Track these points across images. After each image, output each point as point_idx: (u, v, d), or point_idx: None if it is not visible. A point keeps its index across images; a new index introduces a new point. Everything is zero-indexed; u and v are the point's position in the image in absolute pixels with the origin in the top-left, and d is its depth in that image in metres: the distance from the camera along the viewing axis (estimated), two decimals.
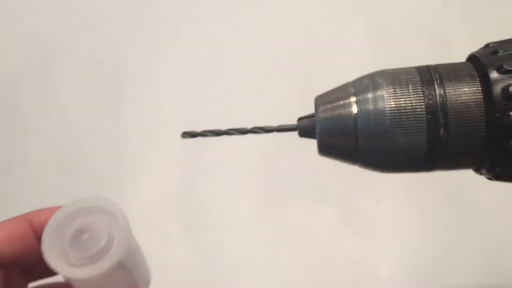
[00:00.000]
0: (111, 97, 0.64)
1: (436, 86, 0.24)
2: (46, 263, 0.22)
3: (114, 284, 0.24)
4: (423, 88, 0.24)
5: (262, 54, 0.66)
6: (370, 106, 0.24)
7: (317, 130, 0.26)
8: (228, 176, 0.57)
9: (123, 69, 0.66)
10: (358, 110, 0.24)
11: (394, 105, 0.24)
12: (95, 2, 0.73)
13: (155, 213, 0.56)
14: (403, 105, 0.24)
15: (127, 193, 0.57)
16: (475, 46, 0.69)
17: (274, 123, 0.61)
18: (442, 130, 0.23)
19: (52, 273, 0.24)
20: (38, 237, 0.24)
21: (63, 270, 0.22)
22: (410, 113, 0.23)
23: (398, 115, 0.24)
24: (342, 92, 0.26)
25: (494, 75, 0.23)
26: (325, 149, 0.27)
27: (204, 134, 0.29)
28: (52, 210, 0.26)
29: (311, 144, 0.60)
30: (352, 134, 0.25)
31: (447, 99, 0.24)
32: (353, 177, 0.56)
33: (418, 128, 0.23)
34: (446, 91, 0.24)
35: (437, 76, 0.25)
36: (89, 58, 0.68)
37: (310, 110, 0.67)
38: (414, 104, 0.24)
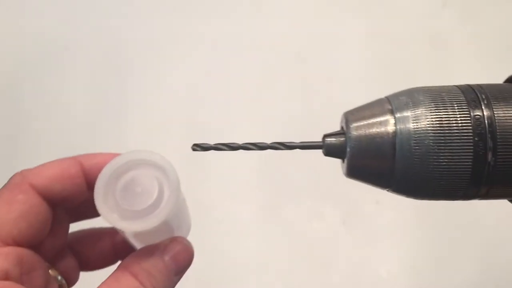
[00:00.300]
0: (112, 97, 0.64)
1: (483, 107, 0.22)
2: (98, 211, 0.22)
3: (160, 234, 0.24)
4: (469, 108, 0.22)
5: (262, 55, 0.66)
6: (411, 125, 0.22)
7: (348, 150, 0.24)
8: (228, 176, 0.57)
9: (124, 69, 0.67)
10: (396, 129, 0.22)
11: (438, 125, 0.21)
12: (97, 2, 0.73)
13: None
14: (448, 125, 0.21)
15: None
16: (474, 46, 0.69)
17: (274, 123, 0.62)
18: (490, 155, 0.21)
19: (93, 216, 0.25)
20: (87, 180, 0.24)
21: (115, 222, 0.22)
22: (456, 134, 0.21)
23: (443, 135, 0.21)
24: (377, 108, 0.24)
25: None
26: (355, 171, 0.25)
27: (217, 147, 0.27)
28: (104, 156, 0.25)
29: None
30: (388, 156, 0.22)
31: (496, 121, 0.21)
32: None
33: (464, 151, 0.21)
34: (495, 112, 0.21)
35: (484, 96, 0.22)
36: (90, 58, 0.68)
37: (310, 109, 0.68)
38: (460, 124, 0.21)
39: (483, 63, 0.63)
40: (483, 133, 0.21)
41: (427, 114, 0.22)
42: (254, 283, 0.53)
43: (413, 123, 0.22)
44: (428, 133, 0.21)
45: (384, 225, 0.51)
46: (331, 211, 0.44)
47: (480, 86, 0.23)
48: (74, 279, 0.26)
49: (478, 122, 0.21)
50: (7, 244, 0.21)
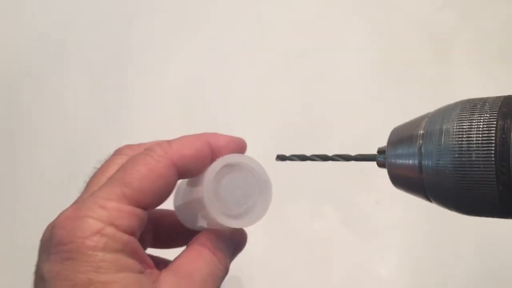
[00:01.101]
0: (112, 97, 0.64)
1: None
2: (205, 203, 0.25)
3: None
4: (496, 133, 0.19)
5: (262, 55, 0.66)
6: (434, 143, 0.21)
7: (386, 166, 0.25)
8: None
9: (125, 69, 0.67)
10: (422, 144, 0.22)
11: (462, 141, 0.20)
12: (97, 3, 0.73)
13: None
14: (471, 142, 0.20)
15: None
16: (474, 46, 0.69)
17: (274, 123, 0.62)
18: None
19: None
20: (213, 159, 0.26)
21: (223, 221, 0.25)
22: (481, 153, 0.20)
23: (468, 153, 0.20)
24: (414, 124, 0.24)
25: None
26: (398, 185, 0.25)
27: (291, 158, 0.30)
28: (226, 139, 0.28)
29: (311, 144, 0.60)
30: (417, 171, 0.22)
31: None
32: (353, 177, 0.56)
33: (487, 179, 0.20)
34: None
35: None
36: (90, 58, 0.68)
37: (310, 109, 0.68)
38: (482, 146, 0.20)
39: (483, 63, 0.63)
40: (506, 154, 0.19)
41: (451, 130, 0.21)
42: (254, 283, 0.53)
43: (437, 140, 0.21)
44: (451, 149, 0.21)
45: (384, 225, 0.51)
46: (331, 212, 0.44)
47: None
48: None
49: (503, 139, 0.19)
50: (138, 206, 0.23)
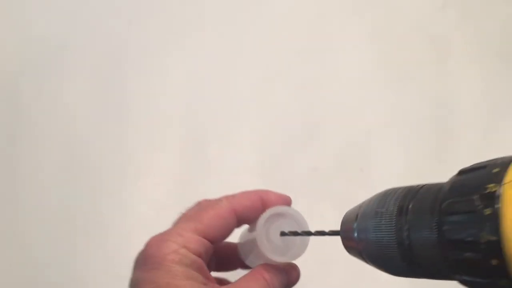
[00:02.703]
0: (112, 98, 0.64)
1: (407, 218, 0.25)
2: (258, 243, 0.33)
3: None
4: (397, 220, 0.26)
5: (262, 55, 0.66)
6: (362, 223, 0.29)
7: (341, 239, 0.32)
8: (228, 176, 0.57)
9: (125, 69, 0.67)
10: (356, 224, 0.29)
11: (375, 236, 0.27)
12: (97, 3, 0.73)
13: (155, 213, 0.56)
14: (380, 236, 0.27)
15: (127, 193, 0.57)
16: (474, 46, 0.69)
17: (274, 123, 0.62)
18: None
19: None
20: (264, 210, 0.34)
21: (269, 254, 0.33)
22: (385, 242, 0.26)
23: (379, 231, 0.27)
24: (353, 210, 0.32)
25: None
26: (347, 250, 0.32)
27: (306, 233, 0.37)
28: (276, 195, 0.36)
29: (311, 144, 0.60)
30: (355, 241, 0.29)
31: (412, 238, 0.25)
32: (353, 177, 0.56)
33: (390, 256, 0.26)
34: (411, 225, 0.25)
35: (410, 206, 0.25)
36: (90, 58, 0.68)
37: (309, 110, 0.68)
38: (387, 236, 0.26)
39: (483, 63, 0.63)
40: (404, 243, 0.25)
41: (369, 226, 0.27)
42: None
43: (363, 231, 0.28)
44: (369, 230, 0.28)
45: None
46: (330, 210, 0.44)
47: (416, 192, 0.26)
48: None
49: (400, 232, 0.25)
50: (205, 238, 0.32)
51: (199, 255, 0.31)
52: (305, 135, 0.58)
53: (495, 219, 0.20)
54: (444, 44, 0.64)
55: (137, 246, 0.53)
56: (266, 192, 0.35)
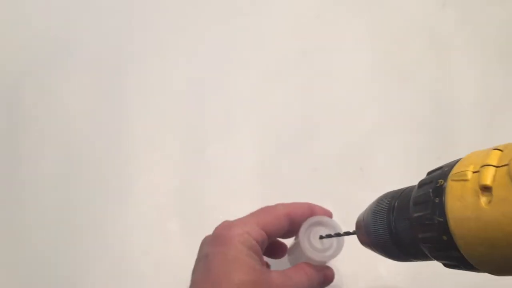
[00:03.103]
0: (112, 98, 0.65)
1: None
2: (301, 244, 0.41)
3: (322, 264, 0.42)
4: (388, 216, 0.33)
5: (262, 55, 0.66)
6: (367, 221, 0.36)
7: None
8: (228, 176, 0.57)
9: (125, 69, 0.67)
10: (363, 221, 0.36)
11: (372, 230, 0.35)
12: (98, 3, 0.73)
13: (156, 213, 0.56)
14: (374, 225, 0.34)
15: (127, 193, 0.57)
16: (474, 46, 0.69)
17: (274, 123, 0.62)
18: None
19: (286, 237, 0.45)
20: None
21: (309, 252, 0.41)
22: (376, 234, 0.34)
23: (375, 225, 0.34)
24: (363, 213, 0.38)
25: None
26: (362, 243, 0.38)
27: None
28: (321, 209, 0.44)
29: (311, 144, 0.60)
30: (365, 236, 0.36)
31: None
32: (353, 177, 0.56)
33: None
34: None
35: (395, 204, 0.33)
36: (90, 59, 0.68)
37: (309, 110, 0.68)
38: (380, 231, 0.33)
39: (483, 63, 0.63)
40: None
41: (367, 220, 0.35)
42: None
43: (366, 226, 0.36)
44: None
45: None
46: (331, 210, 0.44)
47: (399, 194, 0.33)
48: None
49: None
50: (263, 230, 0.39)
51: (258, 242, 0.38)
52: (305, 135, 0.58)
53: (442, 205, 0.26)
54: (444, 44, 0.64)
55: (137, 246, 0.53)
56: (314, 205, 0.43)
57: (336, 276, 0.44)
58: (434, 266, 0.49)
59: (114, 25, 0.71)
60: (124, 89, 0.65)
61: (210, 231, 0.41)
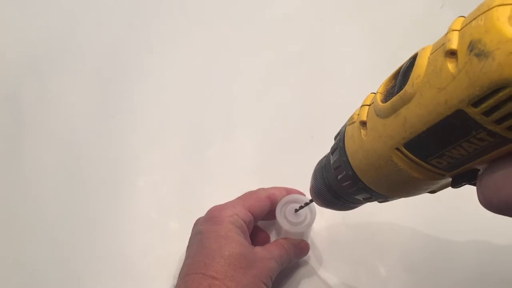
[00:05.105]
0: (112, 98, 0.65)
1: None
2: (276, 218, 0.47)
3: (298, 235, 0.47)
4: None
5: (262, 55, 0.66)
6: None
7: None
8: (228, 176, 0.57)
9: (125, 69, 0.67)
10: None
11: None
12: (99, 3, 0.74)
13: (156, 213, 0.56)
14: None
15: (127, 193, 0.57)
16: None
17: (274, 123, 0.62)
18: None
19: (269, 219, 0.50)
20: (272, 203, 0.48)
21: (286, 226, 0.46)
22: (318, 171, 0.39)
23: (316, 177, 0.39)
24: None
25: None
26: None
27: None
28: (294, 190, 0.49)
29: (311, 143, 0.60)
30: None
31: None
32: None
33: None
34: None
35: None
36: (90, 59, 0.69)
37: (309, 109, 0.68)
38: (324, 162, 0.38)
39: None
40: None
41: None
42: None
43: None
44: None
45: (383, 223, 0.51)
46: (330, 211, 0.44)
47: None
48: None
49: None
50: (249, 211, 0.46)
51: (245, 222, 0.44)
52: (305, 135, 0.58)
53: (343, 147, 0.31)
54: None
55: (137, 246, 0.53)
56: (291, 188, 0.49)
57: (335, 277, 0.44)
58: (434, 266, 0.49)
59: (114, 25, 0.71)
60: (124, 90, 0.65)
61: None
